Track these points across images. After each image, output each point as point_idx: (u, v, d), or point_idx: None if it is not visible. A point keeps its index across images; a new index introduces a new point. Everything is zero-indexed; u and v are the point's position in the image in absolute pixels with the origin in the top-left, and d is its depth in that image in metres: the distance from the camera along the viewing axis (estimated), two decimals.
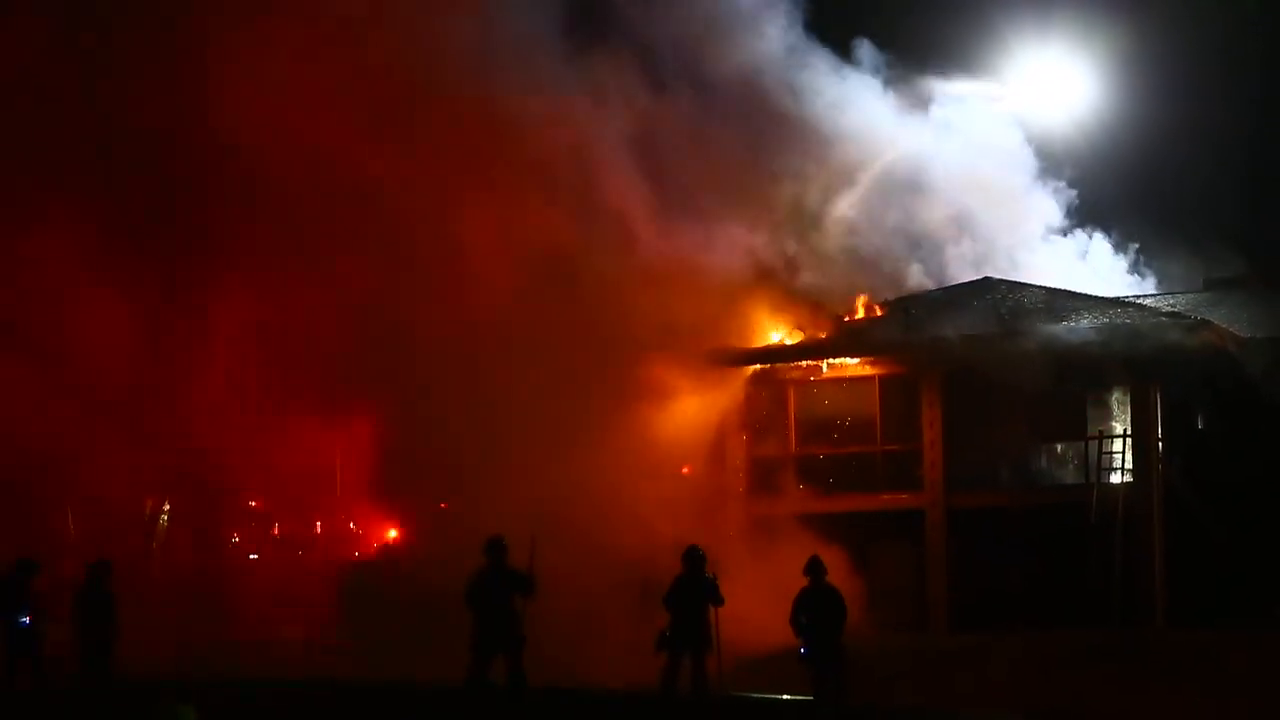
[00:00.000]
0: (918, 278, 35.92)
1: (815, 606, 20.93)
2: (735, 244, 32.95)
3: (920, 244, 36.10)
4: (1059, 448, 32.78)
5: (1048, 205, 38.49)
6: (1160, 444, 31.74)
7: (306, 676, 26.24)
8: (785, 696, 21.94)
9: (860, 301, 35.18)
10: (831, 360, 33.84)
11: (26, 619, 22.11)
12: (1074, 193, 38.93)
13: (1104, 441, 31.54)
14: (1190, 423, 32.92)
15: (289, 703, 21.36)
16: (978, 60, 38.12)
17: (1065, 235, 39.13)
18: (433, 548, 31.37)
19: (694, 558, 21.48)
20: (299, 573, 35.26)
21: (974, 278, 35.73)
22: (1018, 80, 39.53)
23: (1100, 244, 39.76)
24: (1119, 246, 40.01)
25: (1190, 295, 37.98)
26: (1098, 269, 39.17)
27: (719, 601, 21.29)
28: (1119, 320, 32.11)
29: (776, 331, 34.55)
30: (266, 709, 19.92)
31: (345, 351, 31.26)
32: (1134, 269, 40.19)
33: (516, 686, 20.32)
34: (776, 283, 34.09)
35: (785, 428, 34.22)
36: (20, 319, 31.34)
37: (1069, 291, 34.63)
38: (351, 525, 39.24)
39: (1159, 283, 40.25)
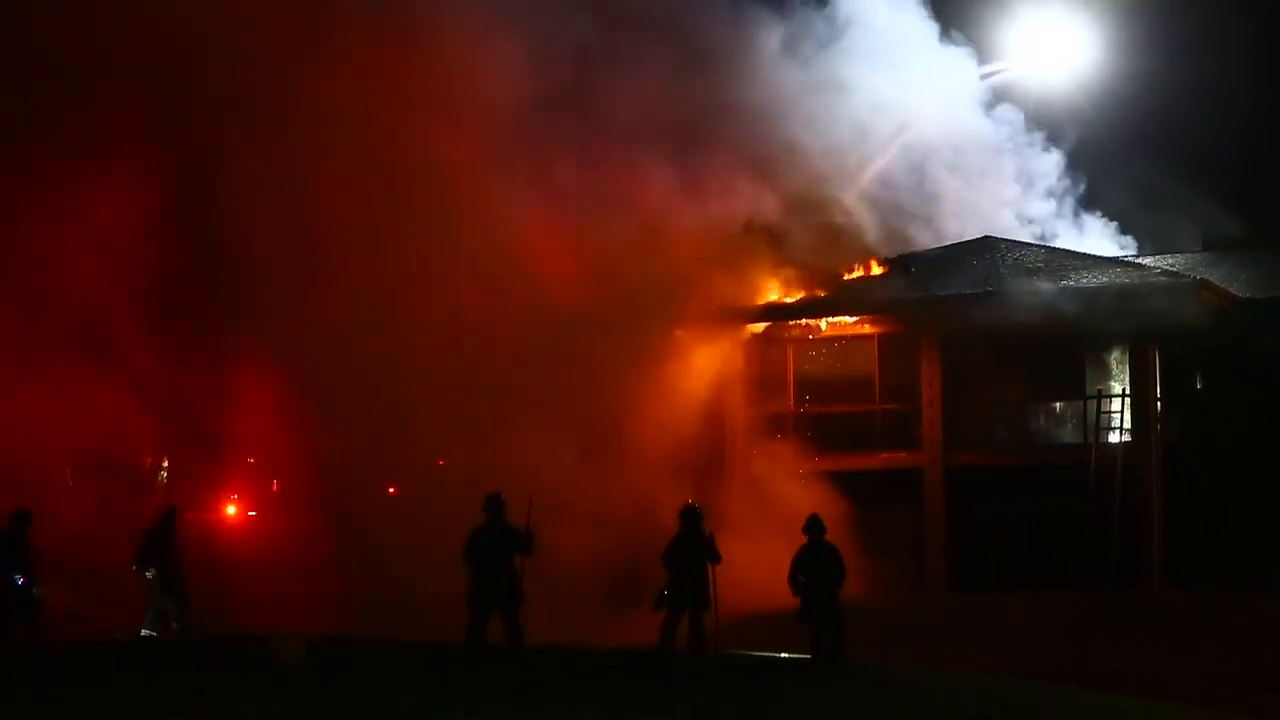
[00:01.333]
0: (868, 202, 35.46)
1: (814, 565, 20.91)
2: (731, 201, 32.74)
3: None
4: (1058, 407, 32.74)
5: (984, 123, 38.01)
6: (1159, 403, 31.75)
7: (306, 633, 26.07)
8: (783, 655, 21.87)
9: (858, 259, 35.07)
10: (831, 319, 33.79)
11: (21, 579, 21.94)
12: (1019, 118, 38.56)
13: (1103, 401, 31.53)
14: (1189, 382, 32.90)
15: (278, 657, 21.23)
16: None
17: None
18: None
19: (691, 515, 21.47)
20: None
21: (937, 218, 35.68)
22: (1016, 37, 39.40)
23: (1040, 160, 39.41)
24: (1051, 140, 39.65)
25: (1189, 255, 37.92)
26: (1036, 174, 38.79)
27: (716, 559, 21.29)
28: (1118, 280, 32.07)
29: (775, 291, 34.44)
30: (259, 664, 19.80)
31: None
32: (1067, 172, 39.71)
33: (515, 643, 20.30)
34: (774, 240, 33.93)
35: (784, 387, 34.18)
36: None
37: (1068, 251, 34.60)
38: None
39: (1155, 243, 40.12)
